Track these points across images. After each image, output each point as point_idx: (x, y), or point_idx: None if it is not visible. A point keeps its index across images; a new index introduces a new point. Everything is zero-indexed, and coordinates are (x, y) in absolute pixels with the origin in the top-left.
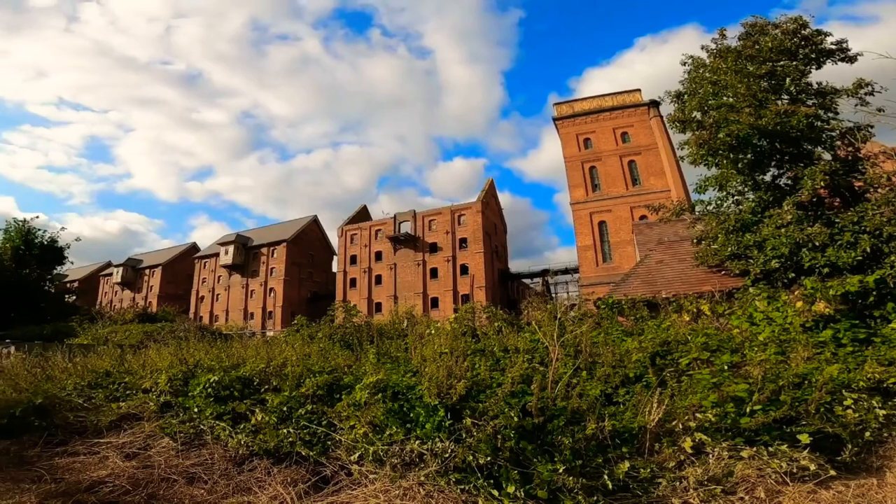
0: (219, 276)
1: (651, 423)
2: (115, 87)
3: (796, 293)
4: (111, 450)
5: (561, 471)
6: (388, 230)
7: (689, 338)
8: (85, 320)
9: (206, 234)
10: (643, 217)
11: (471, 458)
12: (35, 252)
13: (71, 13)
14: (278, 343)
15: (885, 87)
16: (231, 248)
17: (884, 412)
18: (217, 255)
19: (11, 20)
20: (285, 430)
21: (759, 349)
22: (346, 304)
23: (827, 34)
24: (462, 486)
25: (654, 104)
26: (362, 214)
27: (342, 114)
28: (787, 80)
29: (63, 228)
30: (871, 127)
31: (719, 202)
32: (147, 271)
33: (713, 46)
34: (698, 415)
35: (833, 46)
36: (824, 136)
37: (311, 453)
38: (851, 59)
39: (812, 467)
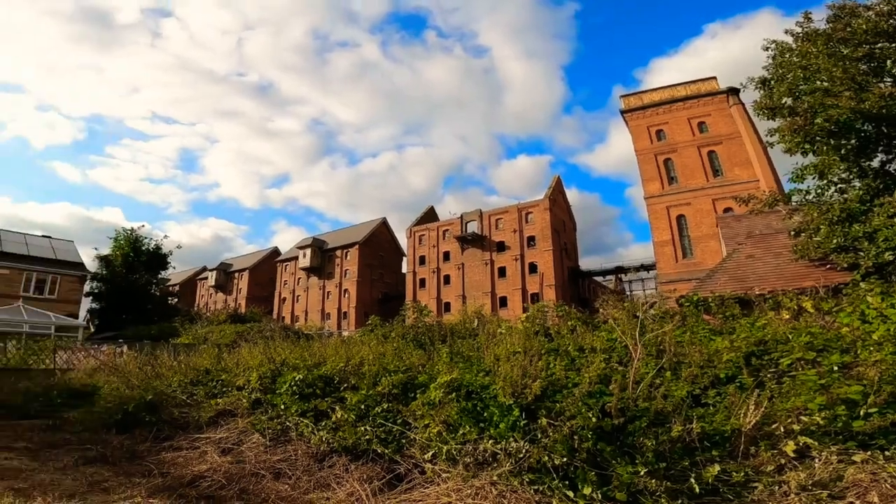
0: (298, 279)
1: (747, 426)
2: (200, 99)
3: None
4: (209, 445)
5: (642, 473)
6: (456, 230)
7: (791, 337)
8: (185, 321)
9: (286, 239)
10: (728, 209)
11: (546, 458)
12: (143, 259)
13: (154, 29)
14: (355, 342)
15: None
16: (308, 252)
17: None
18: (296, 258)
19: (101, 36)
20: (363, 428)
21: (874, 349)
22: (416, 303)
23: None
24: (535, 487)
25: (734, 91)
26: (429, 215)
27: (404, 116)
28: (888, 62)
29: (166, 236)
30: None
31: (820, 191)
32: (236, 275)
33: (799, 30)
34: (804, 417)
35: None
36: None
37: (386, 451)
38: None
39: None
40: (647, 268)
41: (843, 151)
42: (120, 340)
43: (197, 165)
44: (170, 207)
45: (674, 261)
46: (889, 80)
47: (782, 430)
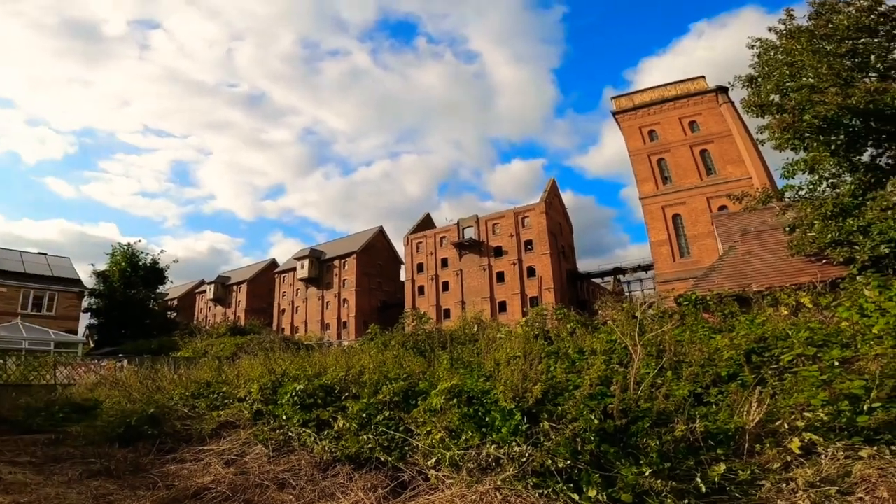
0: (297, 290)
1: (750, 424)
2: (191, 111)
3: None
4: (213, 457)
5: (647, 473)
6: (453, 236)
7: (790, 333)
8: (185, 335)
9: (283, 250)
10: (723, 207)
11: (549, 461)
12: (140, 274)
13: (142, 41)
14: (355, 352)
15: None
16: (306, 263)
17: None
18: (294, 269)
19: (89, 50)
20: (365, 437)
21: (874, 342)
22: (415, 311)
23: None
24: (540, 491)
25: (723, 90)
26: (426, 222)
27: (397, 124)
28: (872, 57)
29: (163, 251)
30: None
31: (812, 186)
32: (235, 287)
33: (782, 28)
34: (807, 414)
35: None
36: None
37: (389, 459)
38: None
39: None
40: (645, 268)
41: (832, 147)
42: (120, 355)
43: (190, 178)
44: (165, 221)
45: (671, 260)
46: (874, 74)
47: (786, 427)
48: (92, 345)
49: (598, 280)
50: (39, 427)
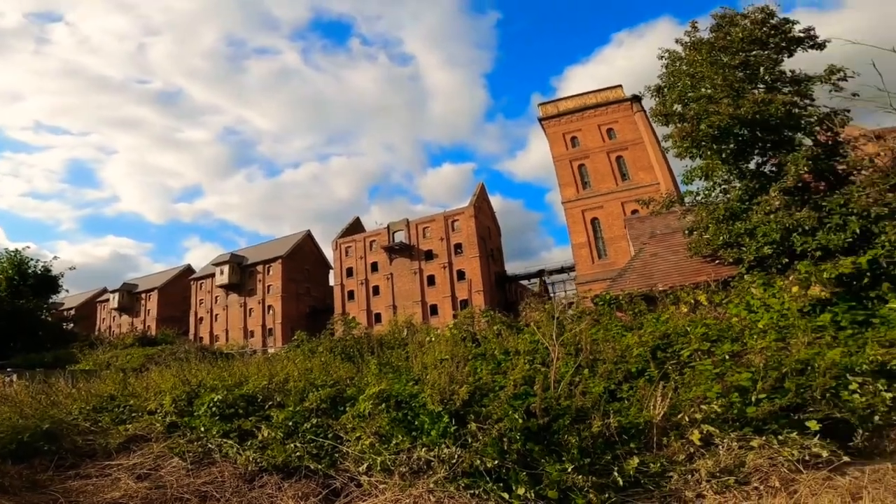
0: (216, 297)
1: (657, 418)
2: (92, 108)
3: (791, 278)
4: (122, 471)
5: (570, 470)
6: (383, 240)
7: (689, 329)
8: (85, 346)
9: (200, 255)
10: (635, 211)
11: (478, 462)
12: (29, 282)
13: (39, 35)
14: (280, 359)
15: (856, 72)
16: (226, 268)
17: (890, 395)
18: (212, 275)
19: None
20: (292, 445)
21: (759, 337)
22: (345, 316)
23: (794, 22)
24: (472, 491)
25: (637, 99)
26: (355, 226)
27: (328, 125)
28: (761, 69)
29: (56, 257)
30: (848, 111)
31: (707, 192)
32: (143, 295)
33: (687, 39)
34: (703, 406)
35: (801, 34)
36: (803, 122)
37: (319, 466)
38: (820, 46)
39: (824, 454)
40: (568, 269)
41: (723, 155)
42: (8, 369)
43: (91, 179)
44: (59, 225)
45: (590, 262)
46: (762, 86)
47: (687, 419)
48: None
49: (525, 282)
50: None
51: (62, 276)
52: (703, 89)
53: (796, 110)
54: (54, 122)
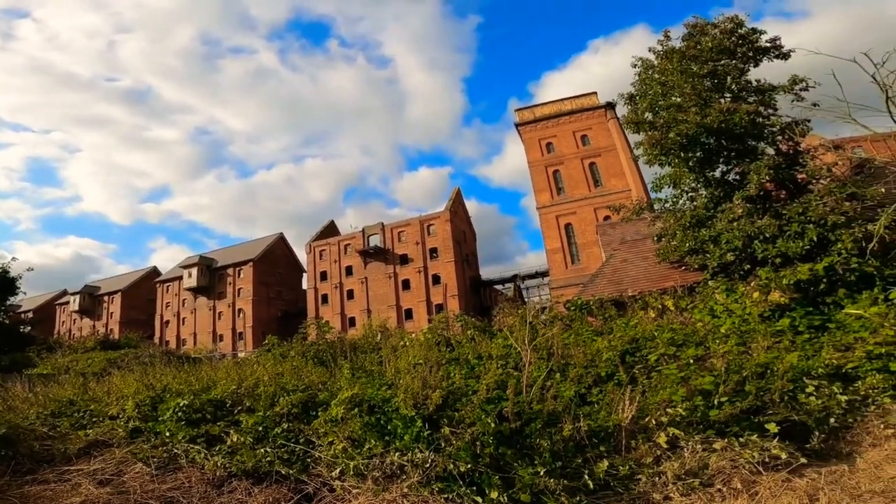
0: (183, 300)
1: (625, 421)
2: (57, 105)
3: (752, 284)
4: (83, 477)
5: (542, 473)
6: (358, 244)
7: (656, 334)
8: (43, 350)
9: (166, 257)
10: (607, 217)
11: (451, 466)
12: None
13: (5, 30)
14: (249, 364)
15: (818, 82)
16: (195, 271)
17: (845, 398)
18: (180, 278)
19: None
20: (262, 450)
21: (722, 341)
22: (318, 320)
23: (762, 32)
24: (445, 496)
25: (610, 106)
26: (330, 229)
27: (304, 126)
28: (728, 78)
29: (14, 258)
30: (809, 121)
31: (675, 199)
32: (106, 298)
33: (659, 48)
34: (669, 410)
35: (768, 44)
36: (766, 131)
37: (291, 471)
38: (785, 56)
39: (783, 456)
40: (542, 274)
41: (690, 163)
42: None
43: (53, 177)
44: (17, 225)
45: (564, 267)
46: (729, 95)
47: (654, 422)
48: None
49: (500, 287)
50: None
51: (20, 277)
52: (673, 98)
53: (760, 119)
54: (15, 118)
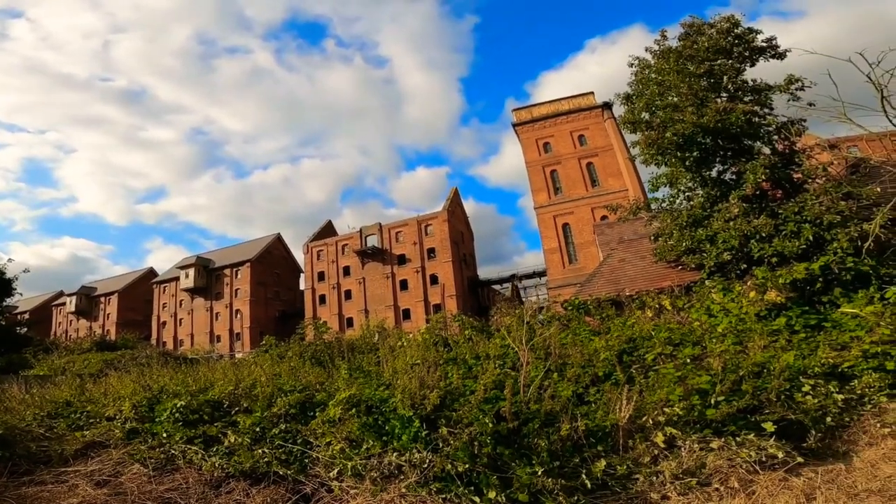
0: (180, 301)
1: (622, 420)
2: (52, 105)
3: (749, 283)
4: (80, 478)
5: (539, 473)
6: (355, 244)
7: (654, 333)
8: (40, 351)
9: (163, 258)
10: (604, 217)
11: (449, 466)
12: None
13: (0, 30)
14: (247, 364)
15: (813, 81)
16: (192, 272)
17: (841, 397)
18: (177, 278)
19: None
20: (260, 451)
21: (718, 340)
22: (315, 321)
23: (758, 32)
24: (443, 496)
25: (607, 106)
26: (327, 230)
27: (300, 127)
28: (725, 78)
29: (10, 259)
30: (804, 121)
31: (672, 199)
32: (103, 299)
33: (656, 48)
34: (666, 409)
35: (764, 44)
36: (762, 131)
37: (288, 472)
38: (781, 56)
39: (780, 455)
40: (540, 274)
41: (687, 163)
42: None
43: (48, 178)
44: (13, 226)
45: (562, 267)
46: (725, 95)
47: (651, 422)
48: None
49: (497, 286)
50: None
51: (16, 278)
52: (669, 97)
53: (756, 119)
54: (11, 119)
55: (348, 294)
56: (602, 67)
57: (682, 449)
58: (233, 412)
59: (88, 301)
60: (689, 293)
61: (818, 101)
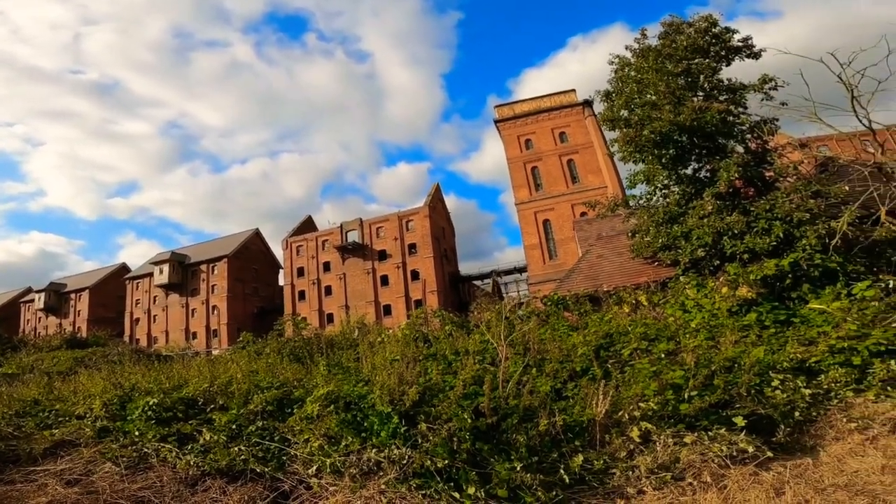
0: (154, 297)
1: (599, 416)
2: (19, 98)
3: (721, 279)
4: (50, 477)
5: (518, 468)
6: (335, 240)
7: (630, 329)
8: (7, 349)
9: (136, 253)
10: (583, 214)
11: (428, 462)
12: None
13: None
14: (223, 361)
15: (787, 81)
16: (166, 267)
17: (809, 391)
18: (151, 274)
19: None
20: (236, 448)
21: (692, 336)
22: (294, 317)
23: (734, 31)
24: (423, 492)
25: (588, 104)
26: (307, 225)
27: (279, 121)
28: (701, 77)
29: None
30: (777, 120)
31: (648, 196)
32: (73, 295)
33: (636, 46)
34: (641, 404)
35: (740, 44)
36: (736, 130)
37: (266, 469)
38: (756, 56)
39: (750, 449)
40: (520, 270)
41: (664, 160)
42: None
43: (15, 171)
44: None
45: (542, 262)
46: (701, 94)
47: (627, 417)
48: None
49: (478, 282)
50: None
51: None
52: (648, 95)
53: (730, 118)
54: None
55: (328, 290)
56: (583, 65)
57: (657, 444)
58: (208, 410)
59: (58, 298)
60: (664, 289)
61: (791, 101)
